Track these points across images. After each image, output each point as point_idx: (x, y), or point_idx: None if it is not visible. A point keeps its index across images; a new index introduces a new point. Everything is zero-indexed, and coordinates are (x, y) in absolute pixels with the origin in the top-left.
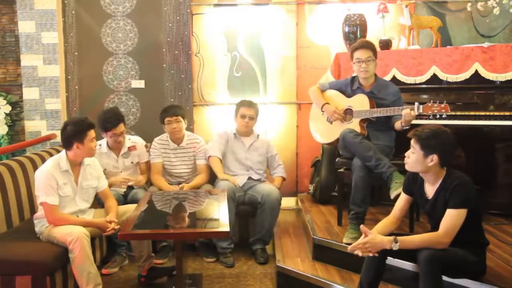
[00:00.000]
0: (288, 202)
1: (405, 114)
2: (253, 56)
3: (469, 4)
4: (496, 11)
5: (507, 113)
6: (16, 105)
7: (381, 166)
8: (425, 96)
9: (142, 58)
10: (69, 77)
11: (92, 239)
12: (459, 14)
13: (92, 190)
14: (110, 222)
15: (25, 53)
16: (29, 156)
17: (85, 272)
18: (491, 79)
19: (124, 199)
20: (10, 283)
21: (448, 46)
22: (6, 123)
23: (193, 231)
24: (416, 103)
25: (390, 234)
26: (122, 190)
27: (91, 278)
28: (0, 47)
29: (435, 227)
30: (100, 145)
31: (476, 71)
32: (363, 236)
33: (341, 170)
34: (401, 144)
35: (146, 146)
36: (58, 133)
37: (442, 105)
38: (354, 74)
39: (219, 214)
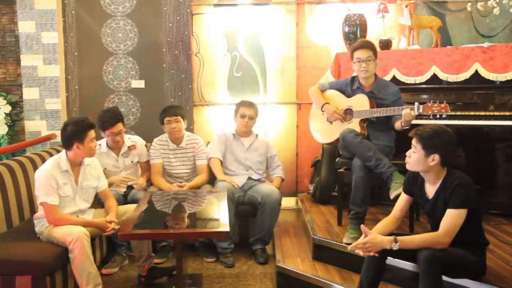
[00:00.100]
0: (288, 202)
1: (405, 114)
2: (253, 56)
3: (469, 4)
4: (496, 11)
5: (507, 113)
6: (16, 105)
7: (381, 166)
8: (425, 96)
9: (142, 58)
10: (69, 77)
11: (92, 239)
12: (459, 14)
13: (92, 190)
14: (110, 222)
15: (25, 53)
16: (29, 156)
17: (85, 272)
18: (491, 79)
19: (124, 199)
20: (10, 283)
21: (448, 46)
22: (6, 123)
23: (193, 231)
24: (416, 103)
25: (390, 234)
26: (122, 190)
27: (91, 278)
28: (0, 47)
29: (435, 227)
30: (100, 145)
31: (476, 71)
32: (363, 236)
33: (341, 170)
34: (401, 144)
35: (146, 146)
36: (58, 133)
37: (442, 105)
38: (354, 74)
39: (219, 214)
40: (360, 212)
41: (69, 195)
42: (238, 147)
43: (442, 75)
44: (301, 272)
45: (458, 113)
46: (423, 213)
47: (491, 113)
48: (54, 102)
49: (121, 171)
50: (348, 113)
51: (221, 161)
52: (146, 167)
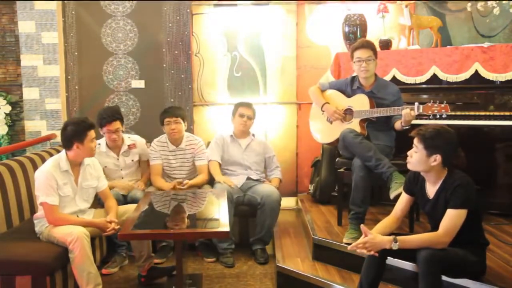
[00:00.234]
0: (288, 202)
1: (405, 114)
2: (253, 56)
3: (469, 4)
4: (496, 11)
5: (507, 113)
6: (16, 105)
7: (381, 166)
8: (425, 96)
9: (142, 58)
10: (69, 77)
11: (92, 239)
12: (459, 14)
13: (92, 190)
14: (110, 222)
15: (25, 53)
16: (29, 156)
17: (85, 272)
18: (491, 79)
19: (124, 199)
20: (10, 283)
21: (448, 46)
22: (6, 123)
23: (193, 231)
24: (416, 103)
25: (390, 234)
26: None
27: (91, 278)
28: (0, 47)
29: (435, 227)
30: (99, 144)
31: (476, 71)
32: (363, 235)
33: (341, 170)
34: (401, 144)
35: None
36: (58, 133)
37: (442, 105)
38: (354, 74)
39: (219, 214)
40: (360, 212)
41: (69, 195)
42: (236, 148)
43: (442, 75)
44: (301, 272)
45: (458, 113)
46: (423, 213)
47: (491, 113)
48: (54, 102)
49: (121, 170)
50: (348, 113)
51: (220, 163)
52: (146, 166)
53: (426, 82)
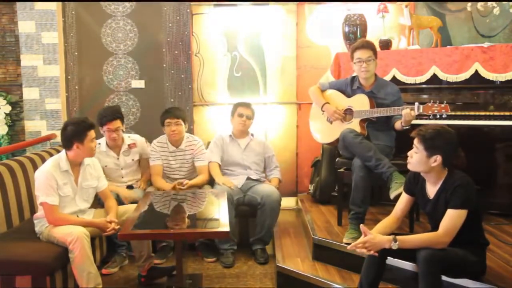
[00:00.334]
0: (288, 202)
1: (405, 114)
2: (253, 56)
3: (469, 4)
4: (496, 11)
5: (507, 113)
6: (16, 105)
7: (381, 166)
8: (425, 96)
9: (142, 58)
10: (69, 77)
11: (92, 239)
12: (459, 14)
13: (92, 190)
14: (110, 222)
15: (25, 53)
16: (29, 156)
17: (85, 272)
18: (491, 79)
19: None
20: (10, 283)
21: (448, 46)
22: (6, 123)
23: (193, 231)
24: (416, 103)
25: (390, 234)
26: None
27: (91, 278)
28: (0, 47)
29: (435, 227)
30: (99, 143)
31: (476, 71)
32: (362, 235)
33: (341, 170)
34: (401, 144)
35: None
36: (58, 133)
37: (442, 105)
38: (354, 74)
39: (219, 214)
40: (360, 212)
41: (69, 195)
42: (235, 148)
43: (442, 75)
44: (301, 272)
45: (458, 113)
46: (424, 213)
47: (491, 113)
48: (54, 102)
49: (121, 169)
50: (348, 113)
51: (219, 164)
52: (147, 165)
53: (426, 82)
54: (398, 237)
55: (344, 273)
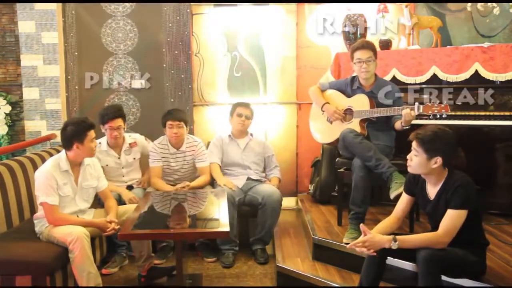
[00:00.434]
0: (288, 202)
1: (405, 114)
2: (253, 56)
3: (469, 4)
4: (496, 11)
5: (507, 113)
6: (16, 105)
7: (381, 166)
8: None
9: (142, 58)
10: (69, 77)
11: (92, 239)
12: (459, 14)
13: (92, 190)
14: (110, 222)
15: (25, 53)
16: (29, 156)
17: (85, 272)
18: (491, 79)
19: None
20: (10, 283)
21: (448, 46)
22: (6, 123)
23: (193, 231)
24: (416, 103)
25: (390, 234)
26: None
27: (91, 278)
28: (0, 47)
29: (435, 228)
30: (100, 143)
31: (476, 71)
32: (362, 234)
33: (341, 170)
34: (401, 144)
35: (146, 139)
36: (58, 133)
37: (442, 105)
38: (354, 74)
39: (219, 214)
40: (360, 212)
41: (69, 195)
42: (235, 148)
43: (442, 75)
44: (301, 272)
45: (458, 113)
46: (424, 213)
47: (491, 113)
48: (54, 102)
49: (122, 168)
50: (348, 113)
51: (220, 165)
52: (148, 163)
53: (426, 82)
54: (398, 237)
55: (344, 273)
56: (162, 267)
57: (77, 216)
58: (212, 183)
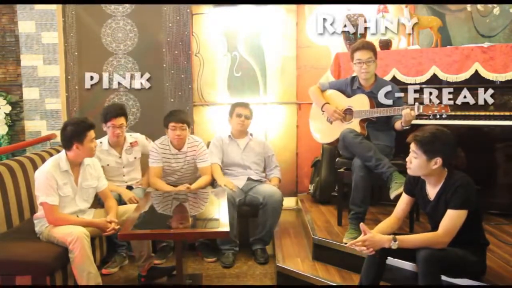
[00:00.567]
0: (288, 202)
1: (405, 114)
2: (253, 56)
3: (469, 4)
4: (496, 11)
5: (507, 113)
6: (16, 105)
7: (381, 166)
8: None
9: (142, 58)
10: (69, 77)
11: (92, 239)
12: (459, 14)
13: (92, 190)
14: (110, 222)
15: (25, 53)
16: (29, 156)
17: (85, 272)
18: (491, 79)
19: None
20: (10, 283)
21: (448, 46)
22: (6, 123)
23: (193, 231)
24: (416, 103)
25: (390, 234)
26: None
27: (91, 278)
28: (0, 47)
29: (435, 228)
30: (101, 142)
31: (476, 71)
32: (362, 234)
33: (341, 170)
34: (401, 144)
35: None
36: (58, 133)
37: (442, 105)
38: (354, 74)
39: (219, 214)
40: (360, 212)
41: (69, 195)
42: (235, 148)
43: (442, 75)
44: (301, 272)
45: (458, 113)
46: (424, 213)
47: (491, 113)
48: (54, 102)
49: (123, 167)
50: (348, 113)
51: (220, 166)
52: (148, 164)
53: (426, 82)
54: (397, 236)
55: (344, 273)
56: (162, 267)
57: (77, 216)
58: (213, 183)
